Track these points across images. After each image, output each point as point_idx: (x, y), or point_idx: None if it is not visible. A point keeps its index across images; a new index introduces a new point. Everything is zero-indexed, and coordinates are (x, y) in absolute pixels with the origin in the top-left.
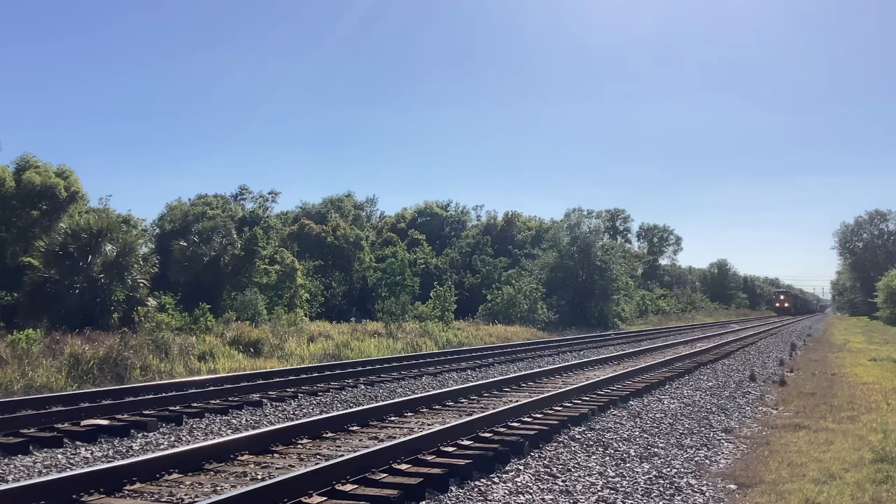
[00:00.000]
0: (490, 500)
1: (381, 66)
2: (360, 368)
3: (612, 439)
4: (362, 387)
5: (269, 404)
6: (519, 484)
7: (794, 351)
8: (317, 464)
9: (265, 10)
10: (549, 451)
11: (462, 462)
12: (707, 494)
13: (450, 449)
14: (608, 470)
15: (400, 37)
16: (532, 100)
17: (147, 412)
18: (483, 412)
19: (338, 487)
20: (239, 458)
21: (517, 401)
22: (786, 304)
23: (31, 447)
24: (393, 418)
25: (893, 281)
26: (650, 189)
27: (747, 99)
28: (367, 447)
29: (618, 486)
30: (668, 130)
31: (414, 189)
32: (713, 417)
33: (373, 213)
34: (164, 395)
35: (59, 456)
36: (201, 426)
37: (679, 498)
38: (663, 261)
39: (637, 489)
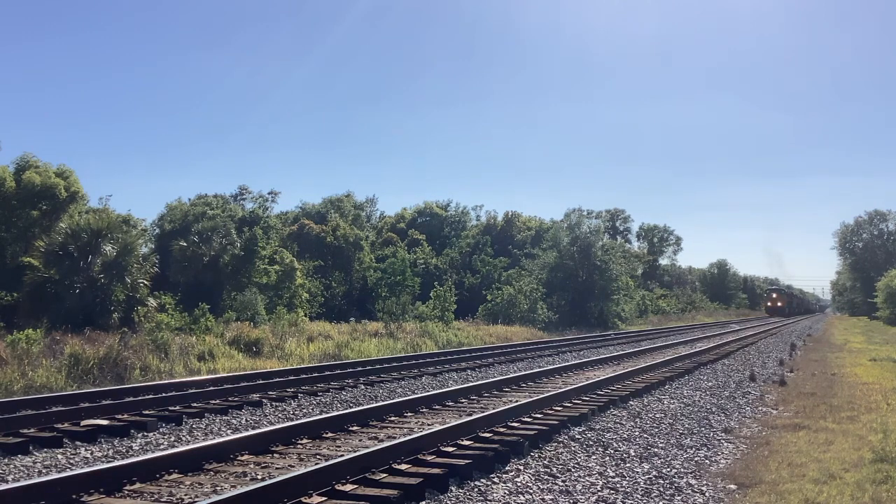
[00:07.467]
0: (490, 501)
1: (381, 66)
2: (360, 368)
3: (611, 439)
4: (362, 387)
5: (268, 404)
6: (519, 484)
7: (793, 351)
8: (317, 464)
9: (265, 10)
10: (549, 451)
11: (462, 462)
12: (707, 494)
13: (450, 449)
14: (608, 470)
15: (400, 37)
16: (532, 100)
17: (147, 412)
18: (483, 412)
19: (338, 487)
20: (239, 458)
21: (517, 401)
22: (779, 304)
23: (31, 447)
24: (393, 418)
25: (893, 281)
26: (650, 189)
27: (747, 99)
28: (367, 447)
29: (618, 486)
30: (668, 130)
31: (414, 189)
32: (713, 417)
33: (373, 213)
34: (163, 395)
35: (59, 456)
36: (201, 426)
37: (679, 498)
38: (663, 261)
39: (637, 489)
